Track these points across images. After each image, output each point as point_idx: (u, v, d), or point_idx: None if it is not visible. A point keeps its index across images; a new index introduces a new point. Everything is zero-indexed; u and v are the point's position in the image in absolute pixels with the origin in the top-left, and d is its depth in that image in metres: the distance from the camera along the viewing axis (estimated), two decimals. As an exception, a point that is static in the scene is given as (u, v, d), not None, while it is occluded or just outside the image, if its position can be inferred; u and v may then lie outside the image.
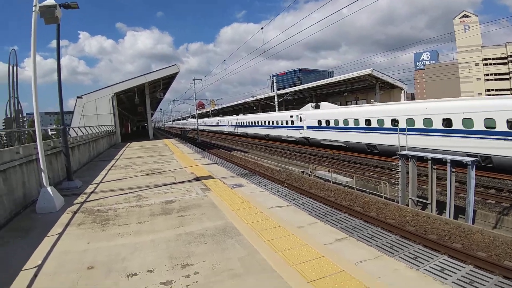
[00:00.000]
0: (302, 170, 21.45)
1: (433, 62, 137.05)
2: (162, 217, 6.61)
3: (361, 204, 13.31)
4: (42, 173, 7.97)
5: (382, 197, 13.92)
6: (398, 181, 13.62)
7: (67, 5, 9.22)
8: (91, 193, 9.26)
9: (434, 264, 5.83)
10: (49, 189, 7.68)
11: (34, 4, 7.87)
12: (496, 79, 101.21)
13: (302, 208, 8.20)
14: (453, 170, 11.53)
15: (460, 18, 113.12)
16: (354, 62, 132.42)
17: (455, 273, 5.55)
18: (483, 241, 9.29)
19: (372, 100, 42.53)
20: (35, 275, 4.24)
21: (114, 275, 4.17)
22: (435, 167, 12.21)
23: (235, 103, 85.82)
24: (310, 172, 20.47)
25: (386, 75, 43.84)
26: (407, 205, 12.86)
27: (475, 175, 11.28)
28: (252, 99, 65.62)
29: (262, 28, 28.50)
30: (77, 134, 15.80)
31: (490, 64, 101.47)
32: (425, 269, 5.52)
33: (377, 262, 4.28)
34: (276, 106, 50.31)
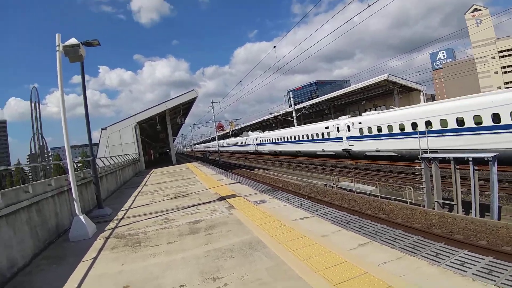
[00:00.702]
0: (325, 183, 21.34)
1: (450, 60, 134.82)
2: (190, 237, 6.83)
3: (386, 211, 13.10)
4: (75, 203, 8.28)
5: (407, 203, 13.69)
6: (422, 185, 13.42)
7: (88, 43, 9.72)
8: (121, 219, 9.61)
9: (455, 259, 5.79)
10: (81, 217, 7.98)
11: (57, 44, 8.17)
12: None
13: (325, 218, 8.24)
14: (476, 168, 11.30)
15: (471, 12, 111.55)
16: (370, 68, 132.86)
17: (475, 265, 5.54)
18: (508, 235, 9.11)
19: (390, 106, 41.98)
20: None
21: (148, 293, 4.37)
22: (458, 167, 12.01)
23: (254, 121, 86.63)
24: (333, 184, 20.36)
25: (403, 78, 43.29)
26: (433, 209, 12.62)
27: (498, 170, 11.05)
28: (270, 116, 66.16)
29: (274, 47, 29.06)
30: (104, 164, 16.42)
31: (506, 56, 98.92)
32: (446, 265, 5.49)
33: (399, 262, 4.37)
34: (295, 121, 50.42)
